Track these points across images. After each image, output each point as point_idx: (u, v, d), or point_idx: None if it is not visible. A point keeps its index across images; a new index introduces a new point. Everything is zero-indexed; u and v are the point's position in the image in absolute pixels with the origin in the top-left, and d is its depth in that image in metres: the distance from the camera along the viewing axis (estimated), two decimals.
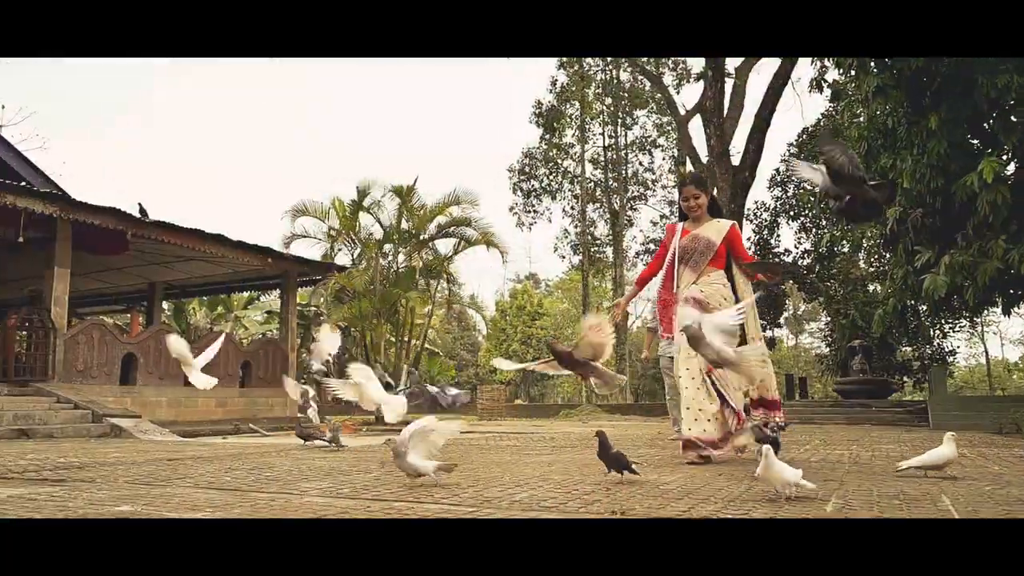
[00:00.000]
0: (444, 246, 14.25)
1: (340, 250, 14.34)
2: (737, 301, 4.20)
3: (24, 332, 9.93)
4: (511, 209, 27.89)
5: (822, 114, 19.88)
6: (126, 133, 74.83)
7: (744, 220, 19.36)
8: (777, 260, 5.10)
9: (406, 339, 14.04)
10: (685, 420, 4.12)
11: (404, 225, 13.94)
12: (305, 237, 14.35)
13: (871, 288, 18.27)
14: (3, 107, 23.44)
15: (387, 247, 14.14)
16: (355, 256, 14.34)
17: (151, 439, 8.24)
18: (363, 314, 13.35)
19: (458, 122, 78.21)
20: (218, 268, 13.97)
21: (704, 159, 19.39)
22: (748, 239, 21.15)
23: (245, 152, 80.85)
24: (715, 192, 18.29)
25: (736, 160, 18.56)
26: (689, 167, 20.75)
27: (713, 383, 4.06)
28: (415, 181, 14.03)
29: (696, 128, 19.90)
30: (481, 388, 22.02)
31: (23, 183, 9.89)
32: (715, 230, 4.38)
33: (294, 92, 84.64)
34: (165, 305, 24.93)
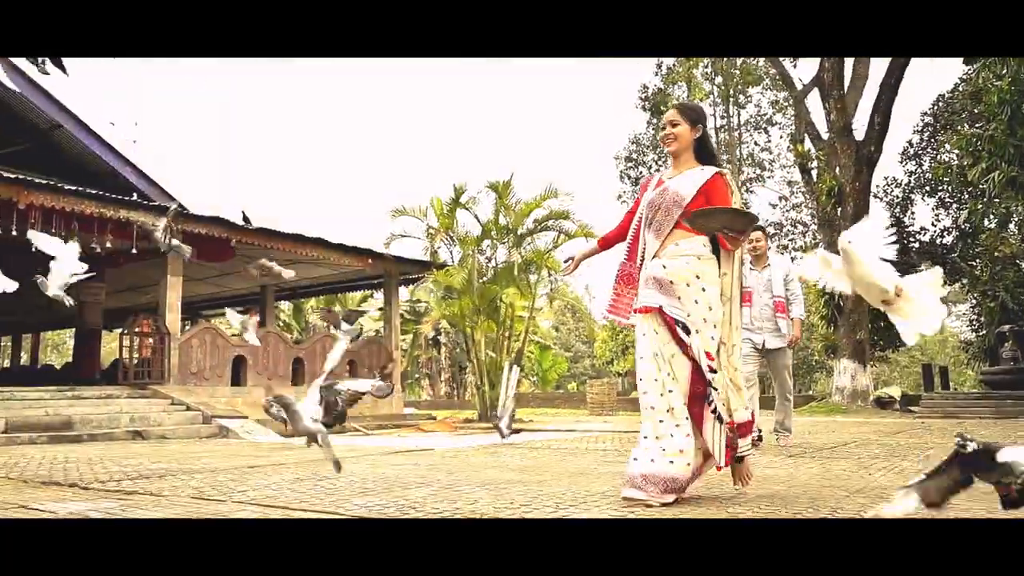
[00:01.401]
0: (543, 240, 14.07)
1: (439, 248, 14.46)
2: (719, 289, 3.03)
3: (143, 337, 10.61)
4: (619, 197, 27.38)
5: (960, 78, 18.18)
6: (232, 138, 79.54)
7: (872, 198, 18.03)
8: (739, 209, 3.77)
9: (507, 335, 13.97)
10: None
11: (501, 221, 13.87)
12: (405, 237, 14.57)
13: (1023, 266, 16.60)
14: (136, 124, 25.29)
15: (485, 243, 14.14)
16: (453, 253, 14.43)
17: (253, 440, 8.56)
18: (463, 312, 13.39)
19: (557, 113, 77.79)
20: (323, 269, 14.44)
21: (824, 135, 18.20)
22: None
23: (350, 155, 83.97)
24: (833, 168, 17.15)
25: (860, 135, 17.28)
26: (808, 145, 19.53)
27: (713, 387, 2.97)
28: (511, 176, 13.93)
29: (815, 103, 18.70)
30: (591, 382, 21.74)
31: (135, 194, 10.56)
32: (691, 180, 3.02)
33: (392, 94, 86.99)
34: (285, 305, 26.24)
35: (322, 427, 2.57)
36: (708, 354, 2.91)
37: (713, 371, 2.91)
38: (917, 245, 19.26)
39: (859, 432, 7.92)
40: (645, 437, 2.94)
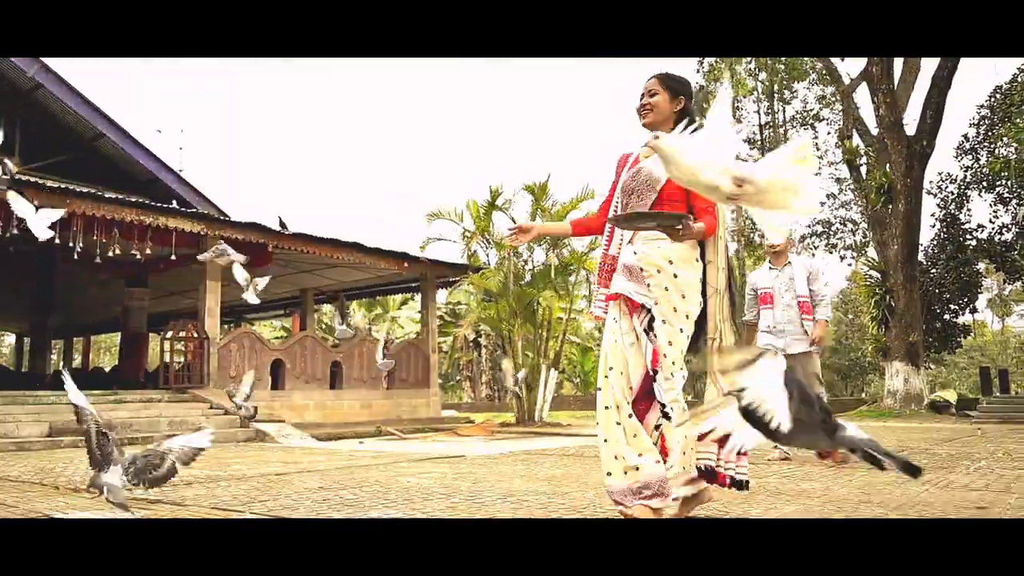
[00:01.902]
0: (581, 242, 13.94)
1: (475, 251, 14.45)
2: (702, 277, 2.68)
3: (182, 342, 10.81)
4: None
5: (1019, 68, 17.47)
6: (266, 142, 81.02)
7: (924, 194, 17.46)
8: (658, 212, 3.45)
9: (545, 337, 13.88)
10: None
11: (538, 223, 13.79)
12: (441, 240, 14.60)
13: None
14: (182, 131, 25.88)
15: (521, 246, 14.07)
16: (490, 256, 14.41)
17: (289, 444, 8.65)
18: (500, 315, 13.35)
19: (595, 112, 77.31)
20: (360, 273, 14.55)
21: (874, 130, 17.69)
22: (932, 215, 19.10)
23: (385, 158, 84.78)
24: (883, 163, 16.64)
25: (911, 130, 16.74)
26: (857, 141, 19.01)
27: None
28: (548, 178, 13.85)
29: (863, 97, 18.20)
30: None
31: (175, 201, 10.78)
32: None
33: (428, 95, 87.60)
34: (327, 308, 26.60)
35: (115, 483, 2.52)
36: (655, 352, 2.55)
37: (656, 371, 2.54)
38: (974, 243, 18.57)
39: (909, 439, 7.63)
40: (605, 440, 2.62)
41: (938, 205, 19.00)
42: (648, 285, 2.61)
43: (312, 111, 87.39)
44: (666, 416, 2.54)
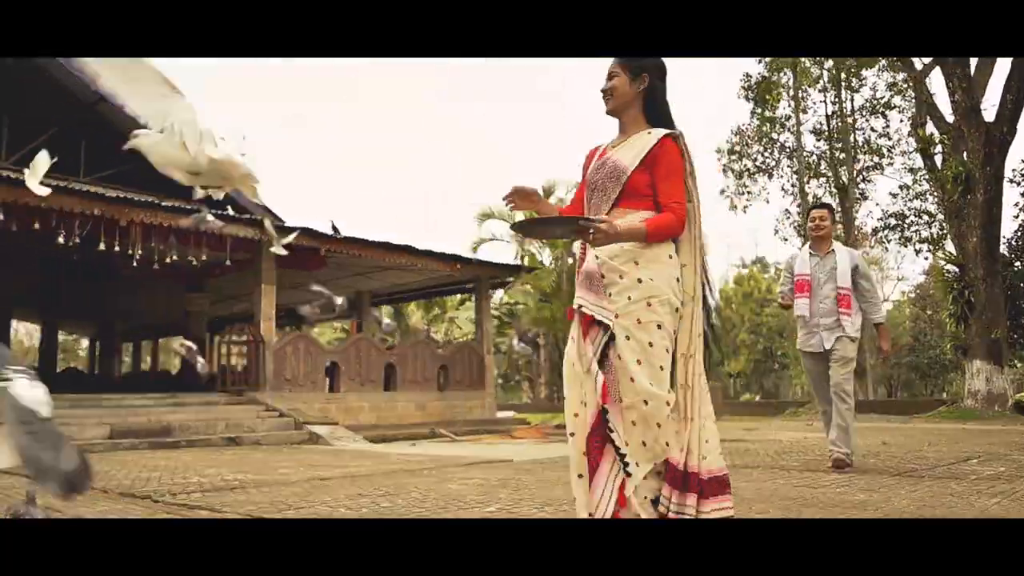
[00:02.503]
0: None
1: (531, 251, 14.39)
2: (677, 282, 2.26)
3: (240, 345, 11.08)
4: (722, 192, 26.46)
5: None
6: (316, 145, 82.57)
7: (1005, 183, 16.57)
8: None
9: None
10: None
11: None
12: (494, 240, 14.60)
13: None
14: (244, 137, 26.54)
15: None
16: (544, 256, 14.32)
17: (342, 447, 8.74)
18: (554, 315, 13.27)
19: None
20: (414, 275, 14.67)
21: (949, 117, 16.88)
22: (1015, 204, 18.09)
23: (435, 158, 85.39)
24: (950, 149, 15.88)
25: (990, 116, 15.91)
26: (931, 129, 18.19)
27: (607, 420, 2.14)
28: None
29: (937, 82, 17.41)
30: None
31: (231, 208, 11.05)
32: (633, 148, 2.34)
33: (476, 93, 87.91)
34: (385, 309, 26.96)
35: None
36: (604, 384, 2.14)
37: (606, 408, 2.12)
38: None
39: (987, 444, 7.20)
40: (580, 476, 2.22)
41: (1021, 194, 18.04)
42: (609, 294, 2.20)
43: (365, 114, 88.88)
44: (625, 470, 2.08)
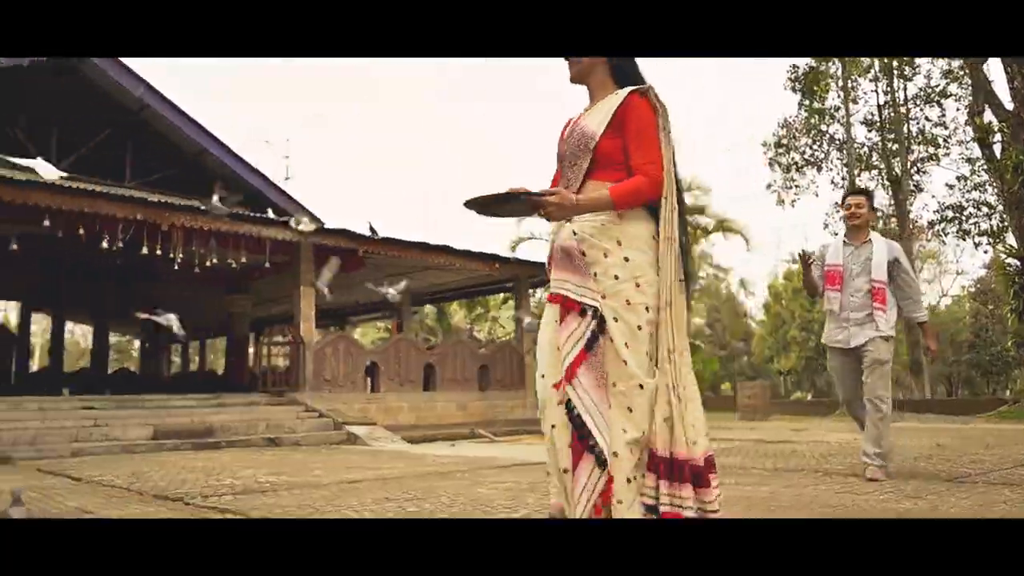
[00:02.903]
0: None
1: None
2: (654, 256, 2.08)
3: (281, 346, 11.23)
4: (768, 187, 25.94)
5: None
6: (362, 149, 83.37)
7: None
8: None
9: None
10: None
11: None
12: (532, 239, 14.53)
13: None
14: (287, 139, 26.96)
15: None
16: None
17: (380, 447, 8.79)
18: None
19: (694, 99, 74.93)
20: (454, 275, 14.70)
21: (1008, 104, 16.23)
22: None
23: (471, 155, 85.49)
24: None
25: None
26: (989, 117, 17.52)
27: (572, 410, 2.03)
28: None
29: (995, 69, 16.75)
30: (741, 384, 20.70)
31: (271, 210, 11.22)
32: (600, 112, 2.17)
33: (512, 88, 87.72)
34: (428, 309, 27.11)
35: None
36: (576, 358, 2.02)
37: (571, 382, 2.01)
38: None
39: None
40: (548, 474, 2.17)
41: None
42: (594, 275, 2.05)
43: (389, 112, 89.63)
44: (600, 462, 1.97)
